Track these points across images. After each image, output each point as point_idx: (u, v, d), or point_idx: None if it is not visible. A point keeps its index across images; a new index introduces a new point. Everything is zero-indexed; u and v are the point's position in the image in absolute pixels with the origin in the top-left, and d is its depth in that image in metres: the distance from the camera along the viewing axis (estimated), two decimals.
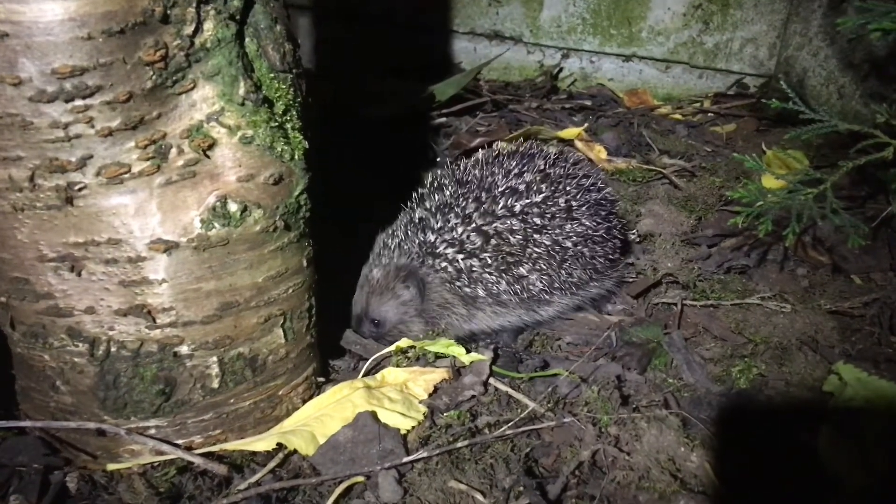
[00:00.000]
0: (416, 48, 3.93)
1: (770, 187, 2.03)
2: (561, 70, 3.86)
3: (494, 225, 1.80)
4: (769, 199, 1.77)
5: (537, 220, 1.81)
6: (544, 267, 1.82)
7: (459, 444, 1.48)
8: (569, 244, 1.84)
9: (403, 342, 1.76)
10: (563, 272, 1.85)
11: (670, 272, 2.11)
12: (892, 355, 1.78)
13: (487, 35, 3.89)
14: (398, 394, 1.63)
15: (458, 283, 1.82)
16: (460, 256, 1.81)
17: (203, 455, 1.45)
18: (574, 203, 1.88)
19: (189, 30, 1.25)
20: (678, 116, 3.50)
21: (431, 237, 1.83)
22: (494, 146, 2.05)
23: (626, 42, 3.76)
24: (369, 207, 2.17)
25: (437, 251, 1.82)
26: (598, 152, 2.90)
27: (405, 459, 1.45)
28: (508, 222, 1.80)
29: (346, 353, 1.83)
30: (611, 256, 1.97)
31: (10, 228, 1.32)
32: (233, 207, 1.37)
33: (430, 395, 1.65)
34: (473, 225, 1.81)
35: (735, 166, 2.80)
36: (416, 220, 1.86)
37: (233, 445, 1.49)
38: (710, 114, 3.53)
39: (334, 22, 3.98)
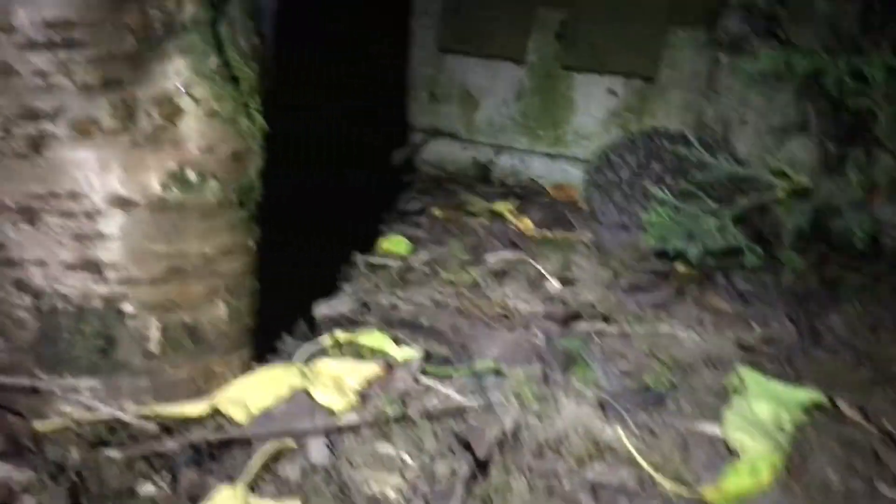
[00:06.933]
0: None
1: None
2: (493, 164, 4.16)
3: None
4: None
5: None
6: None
7: (390, 418, 1.55)
8: None
9: (341, 336, 1.84)
10: None
11: (592, 304, 2.27)
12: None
13: (426, 130, 4.20)
14: (332, 381, 1.69)
15: None
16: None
17: (135, 417, 1.47)
18: None
19: (171, 5, 1.41)
20: None
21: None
22: None
23: (553, 143, 4.11)
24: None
25: None
26: (526, 223, 3.13)
27: (337, 425, 1.50)
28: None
29: (282, 353, 1.87)
30: None
31: None
32: (191, 176, 1.49)
33: (362, 388, 1.71)
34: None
35: None
36: None
37: (165, 410, 1.51)
38: None
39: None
